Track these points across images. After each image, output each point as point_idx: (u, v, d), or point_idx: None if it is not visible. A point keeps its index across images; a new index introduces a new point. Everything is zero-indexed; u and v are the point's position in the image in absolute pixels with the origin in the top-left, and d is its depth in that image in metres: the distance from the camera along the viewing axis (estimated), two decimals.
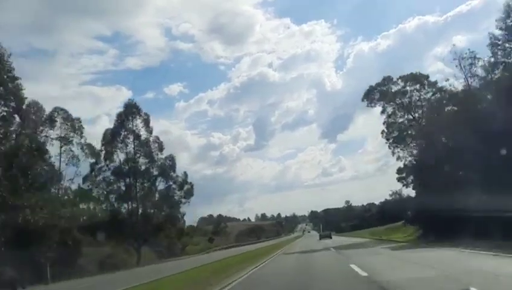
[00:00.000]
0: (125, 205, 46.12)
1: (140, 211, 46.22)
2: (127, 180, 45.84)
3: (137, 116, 46.52)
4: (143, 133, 46.34)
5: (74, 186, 40.35)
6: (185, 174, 48.41)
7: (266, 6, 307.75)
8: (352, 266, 12.34)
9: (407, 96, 34.63)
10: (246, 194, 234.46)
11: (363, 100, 35.68)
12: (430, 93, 33.89)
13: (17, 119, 24.70)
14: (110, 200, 45.80)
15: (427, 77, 33.91)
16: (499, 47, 23.36)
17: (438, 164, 30.80)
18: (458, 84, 30.62)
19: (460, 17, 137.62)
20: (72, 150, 36.63)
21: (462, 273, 8.39)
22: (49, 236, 30.97)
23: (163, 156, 46.99)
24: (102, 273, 29.36)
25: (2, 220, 23.02)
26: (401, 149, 35.70)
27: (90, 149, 36.50)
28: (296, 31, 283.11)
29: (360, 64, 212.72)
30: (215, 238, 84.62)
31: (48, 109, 34.65)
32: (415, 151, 34.96)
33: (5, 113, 22.59)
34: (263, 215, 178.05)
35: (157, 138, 47.37)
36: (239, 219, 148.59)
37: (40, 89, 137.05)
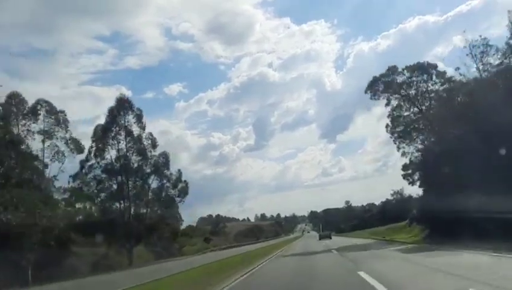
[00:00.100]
0: (117, 204, 43.55)
1: (132, 210, 43.59)
2: (119, 178, 43.28)
3: (130, 112, 43.98)
4: (135, 130, 43.86)
5: (58, 184, 37.49)
6: (179, 172, 45.73)
7: (266, 6, 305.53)
8: (362, 274, 9.70)
9: (413, 87, 31.96)
10: (245, 194, 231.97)
11: (366, 92, 33.03)
12: (439, 84, 31.20)
13: None
14: (101, 199, 43.22)
15: (436, 66, 31.29)
16: None
17: (447, 159, 28.28)
18: (468, 74, 28.18)
19: (460, 17, 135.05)
20: (57, 145, 33.88)
21: None
22: (29, 236, 28.73)
23: (156, 153, 44.42)
24: (92, 275, 27.22)
25: None
26: (406, 144, 33.02)
27: (75, 144, 33.76)
28: (296, 31, 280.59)
29: (360, 64, 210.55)
30: (213, 238, 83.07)
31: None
32: (422, 146, 32.28)
33: None
34: (263, 215, 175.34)
35: (151, 134, 44.72)
36: (238, 219, 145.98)
37: (39, 89, 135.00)
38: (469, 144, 24.23)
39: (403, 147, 33.12)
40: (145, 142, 44.26)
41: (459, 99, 28.37)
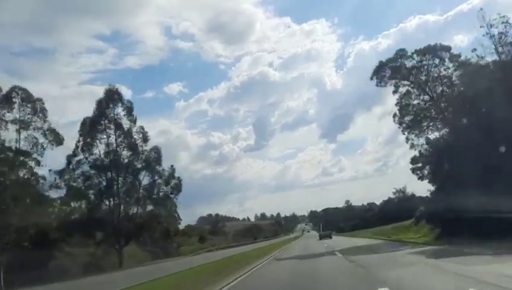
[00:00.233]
0: (106, 202, 40.07)
1: (122, 208, 40.10)
2: (108, 174, 39.83)
3: (119, 104, 40.55)
4: (126, 123, 40.43)
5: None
6: (172, 168, 42.18)
7: (266, 5, 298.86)
8: None
9: (423, 73, 28.36)
10: (245, 194, 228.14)
11: (372, 78, 29.47)
12: (452, 69, 27.61)
13: None
14: (89, 197, 39.80)
15: (449, 48, 27.61)
16: None
17: (462, 152, 24.86)
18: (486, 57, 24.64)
19: (461, 16, 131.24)
20: (36, 137, 30.34)
21: None
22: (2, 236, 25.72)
23: (147, 148, 40.94)
24: (77, 279, 24.90)
25: None
26: (415, 135, 29.41)
27: (54, 135, 30.24)
28: (297, 30, 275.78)
29: (361, 64, 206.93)
30: (212, 238, 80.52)
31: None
32: (433, 137, 28.76)
33: None
34: (263, 215, 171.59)
35: (142, 127, 41.23)
36: (238, 219, 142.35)
37: (40, 88, 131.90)
38: (488, 135, 21.03)
39: (412, 139, 29.56)
40: (136, 136, 40.93)
41: (476, 84, 24.86)
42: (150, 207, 41.14)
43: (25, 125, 28.93)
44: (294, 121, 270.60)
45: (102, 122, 39.60)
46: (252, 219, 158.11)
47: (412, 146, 29.75)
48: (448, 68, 28.05)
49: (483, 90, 22.78)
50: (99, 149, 39.27)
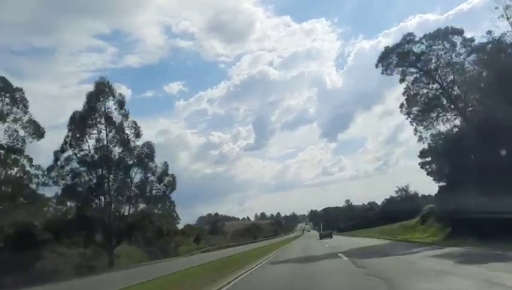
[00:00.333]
0: (96, 200, 37.48)
1: (113, 206, 37.49)
2: (99, 171, 37.23)
3: (111, 97, 37.94)
4: (117, 117, 37.84)
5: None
6: (166, 164, 39.51)
7: (266, 4, 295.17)
8: None
9: (433, 59, 25.66)
10: (245, 193, 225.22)
11: (377, 66, 26.75)
12: (465, 54, 24.91)
13: None
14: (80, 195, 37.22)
15: (461, 32, 24.88)
16: None
17: (478, 144, 22.26)
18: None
19: (461, 15, 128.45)
20: (16, 130, 27.73)
21: None
22: None
23: (140, 144, 38.32)
24: (56, 281, 23.29)
25: None
26: (424, 127, 26.68)
27: (35, 127, 27.63)
28: (297, 29, 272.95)
29: (361, 63, 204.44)
30: (211, 237, 78.42)
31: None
32: (444, 129, 26.06)
33: None
34: (263, 214, 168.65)
35: (134, 122, 38.63)
36: (238, 218, 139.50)
37: (40, 87, 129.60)
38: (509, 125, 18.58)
39: (420, 131, 26.84)
40: (128, 132, 38.32)
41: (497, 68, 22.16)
42: (142, 205, 38.64)
43: (2, 116, 26.36)
44: (295, 120, 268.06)
45: (92, 116, 37.14)
46: (252, 219, 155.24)
47: (420, 139, 27.07)
48: (460, 54, 25.35)
49: (504, 75, 20.11)
50: (89, 145, 36.81)
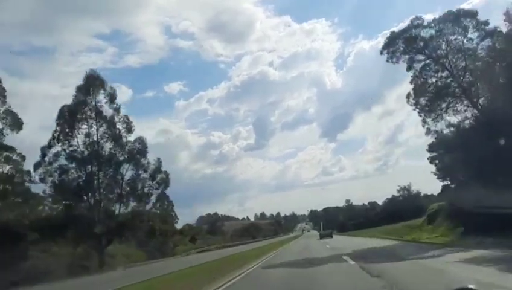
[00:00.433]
0: (85, 198, 35.19)
1: (103, 205, 35.22)
2: (88, 167, 34.96)
3: (102, 90, 35.66)
4: (108, 111, 35.56)
5: None
6: (159, 161, 37.15)
7: (266, 4, 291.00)
8: None
9: (443, 45, 23.27)
10: (245, 193, 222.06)
11: (382, 53, 24.41)
12: (478, 39, 22.53)
13: None
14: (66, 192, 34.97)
15: (475, 14, 22.47)
16: None
17: (494, 136, 20.00)
18: None
19: None
20: None
21: None
22: None
23: (131, 139, 36.02)
24: (45, 282, 21.72)
25: None
26: (433, 119, 24.27)
27: (13, 118, 25.34)
28: (297, 30, 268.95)
29: (361, 63, 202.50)
30: (210, 237, 76.67)
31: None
32: (455, 120, 23.68)
33: None
34: (262, 214, 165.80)
35: (126, 117, 36.34)
36: (238, 218, 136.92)
37: (40, 87, 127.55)
38: None
39: (428, 123, 24.44)
40: (120, 127, 36.02)
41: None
42: (133, 204, 36.30)
43: None
44: (294, 120, 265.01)
45: (82, 110, 34.87)
46: (252, 219, 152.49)
47: (429, 131, 24.66)
48: (472, 40, 22.96)
49: None
50: (79, 140, 34.53)
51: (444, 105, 23.70)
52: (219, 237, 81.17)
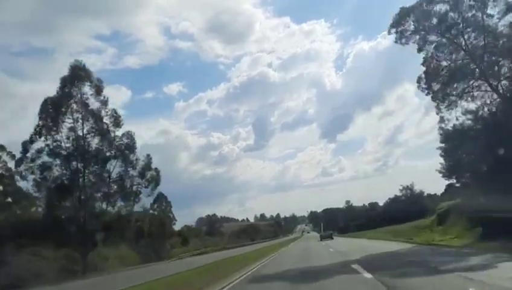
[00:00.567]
0: (70, 198, 31.99)
1: (88, 205, 31.98)
2: (73, 164, 31.83)
3: (87, 82, 32.54)
4: (94, 105, 32.45)
5: None
6: (149, 157, 33.91)
7: (266, 5, 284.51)
8: None
9: (459, 22, 20.08)
10: (245, 194, 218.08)
11: (389, 33, 21.31)
12: (499, 14, 19.38)
13: None
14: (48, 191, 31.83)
15: None
16: None
17: None
18: None
19: None
20: None
21: None
22: None
23: (119, 134, 32.86)
24: None
25: None
26: (446, 106, 21.05)
27: None
28: (296, 31, 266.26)
29: (360, 64, 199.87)
30: (208, 238, 74.00)
31: None
32: (473, 107, 20.45)
33: None
34: (262, 215, 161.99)
35: (114, 110, 33.22)
36: (237, 220, 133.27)
37: (40, 88, 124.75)
38: None
39: (442, 111, 21.20)
40: (107, 121, 32.88)
41: None
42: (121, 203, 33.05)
43: None
44: (294, 121, 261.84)
45: (67, 103, 31.76)
46: (252, 220, 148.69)
47: (442, 120, 21.41)
48: (492, 15, 19.78)
49: None
50: (63, 135, 31.41)
51: (459, 89, 20.50)
52: (218, 238, 78.40)
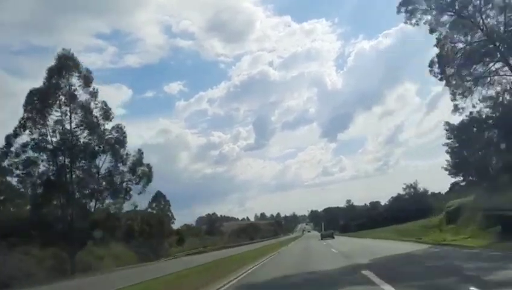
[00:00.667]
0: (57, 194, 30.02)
1: (75, 203, 30.01)
2: (60, 159, 29.85)
3: (75, 73, 30.55)
4: (83, 97, 30.46)
5: None
6: (140, 152, 31.83)
7: (266, 3, 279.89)
8: None
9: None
10: (245, 193, 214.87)
11: (398, 12, 19.15)
12: None
13: None
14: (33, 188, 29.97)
15: None
16: None
17: None
18: None
19: None
20: None
21: None
22: None
23: (108, 127, 30.85)
24: None
25: None
26: (461, 94, 18.86)
27: None
28: (297, 29, 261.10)
29: (361, 63, 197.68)
30: (208, 237, 72.60)
31: None
32: (492, 92, 18.25)
33: None
34: (262, 215, 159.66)
35: (104, 103, 31.23)
36: (237, 219, 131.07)
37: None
38: None
39: (456, 98, 19.00)
40: (97, 114, 30.85)
41: None
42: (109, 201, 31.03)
43: None
44: (295, 120, 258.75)
45: (54, 95, 29.78)
46: (252, 219, 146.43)
47: (456, 108, 19.21)
48: None
49: None
50: (49, 128, 29.41)
51: (476, 74, 18.31)
52: (217, 237, 76.76)
